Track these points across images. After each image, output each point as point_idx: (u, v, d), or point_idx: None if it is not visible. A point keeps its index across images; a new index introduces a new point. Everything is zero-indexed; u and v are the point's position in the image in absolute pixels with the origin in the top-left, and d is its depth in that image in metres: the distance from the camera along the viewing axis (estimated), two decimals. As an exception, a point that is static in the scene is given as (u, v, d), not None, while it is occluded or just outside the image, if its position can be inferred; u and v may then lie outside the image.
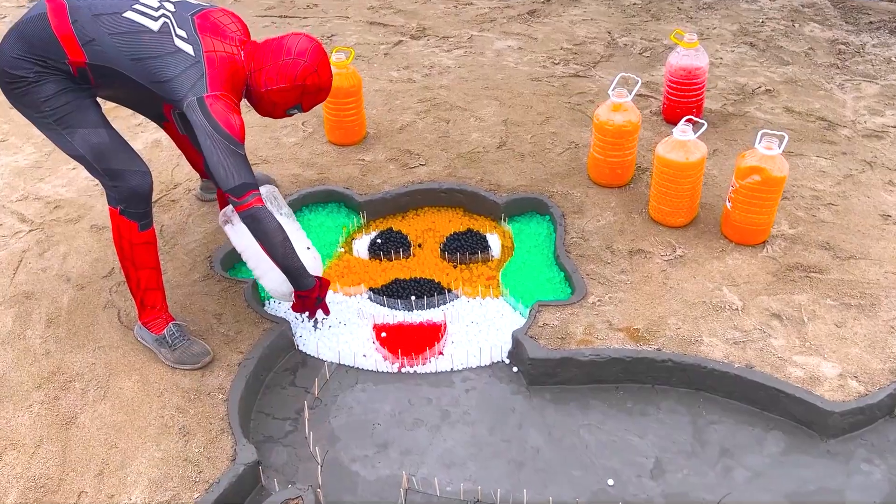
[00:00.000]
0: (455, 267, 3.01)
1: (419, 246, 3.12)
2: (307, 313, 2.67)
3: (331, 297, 2.84)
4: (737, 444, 2.34)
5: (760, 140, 2.81)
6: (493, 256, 3.04)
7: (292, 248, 2.43)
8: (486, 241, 3.08)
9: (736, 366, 2.45)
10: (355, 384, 2.58)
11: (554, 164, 3.47)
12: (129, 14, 2.29)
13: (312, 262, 2.64)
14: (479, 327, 2.74)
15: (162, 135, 3.72)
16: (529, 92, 4.11)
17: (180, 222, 3.16)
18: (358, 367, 2.63)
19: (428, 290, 2.86)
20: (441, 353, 2.65)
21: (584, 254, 2.94)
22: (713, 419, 2.42)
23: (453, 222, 3.24)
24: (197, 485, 2.15)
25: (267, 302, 2.86)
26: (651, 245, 2.98)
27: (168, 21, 2.32)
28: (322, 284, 2.59)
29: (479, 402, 2.51)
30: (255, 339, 2.60)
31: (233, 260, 2.98)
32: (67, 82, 2.30)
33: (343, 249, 3.11)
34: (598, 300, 2.72)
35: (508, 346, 2.64)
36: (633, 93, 3.25)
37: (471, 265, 3.02)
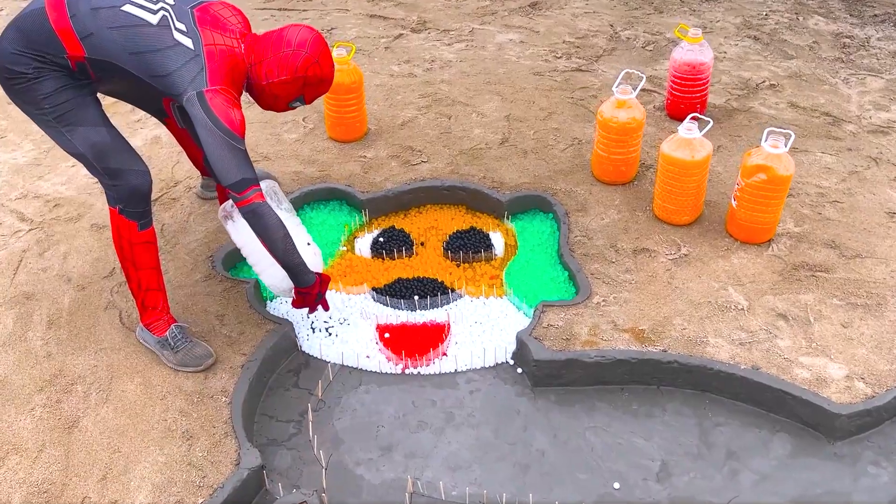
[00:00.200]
0: (458, 266, 2.99)
1: (422, 244, 3.10)
2: (307, 309, 2.65)
3: (333, 297, 2.82)
4: (743, 447, 2.33)
5: (766, 138, 2.79)
6: (496, 255, 3.02)
7: (293, 243, 2.40)
8: (490, 240, 3.06)
9: (742, 367, 2.44)
10: (359, 385, 2.56)
11: (557, 161, 3.44)
12: (127, 7, 2.25)
13: (313, 258, 2.61)
14: (482, 327, 2.73)
15: (161, 131, 3.68)
16: (531, 87, 4.08)
17: (181, 221, 3.13)
18: (361, 369, 2.61)
19: (431, 290, 2.84)
20: (445, 355, 2.64)
21: (588, 252, 2.92)
22: (719, 421, 2.41)
23: (456, 220, 3.22)
24: (201, 490, 2.14)
25: (269, 302, 2.84)
26: (656, 244, 2.96)
27: (167, 14, 2.29)
28: (322, 280, 2.57)
29: (483, 403, 2.49)
30: (257, 340, 2.58)
31: (234, 259, 2.95)
32: (67, 79, 2.27)
33: (345, 248, 3.09)
34: (603, 300, 2.70)
35: (513, 347, 2.63)
36: (638, 89, 3.22)
37: (474, 264, 2.99)
